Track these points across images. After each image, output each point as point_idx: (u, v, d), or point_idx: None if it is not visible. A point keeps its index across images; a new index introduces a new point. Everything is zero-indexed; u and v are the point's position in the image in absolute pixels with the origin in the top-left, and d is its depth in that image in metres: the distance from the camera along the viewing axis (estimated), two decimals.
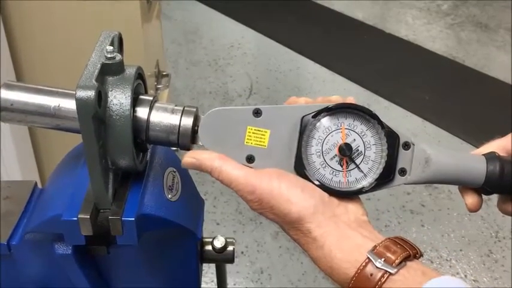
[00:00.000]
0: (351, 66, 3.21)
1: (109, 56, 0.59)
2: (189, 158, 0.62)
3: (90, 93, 0.54)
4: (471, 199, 0.66)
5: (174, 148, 0.66)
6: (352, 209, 0.61)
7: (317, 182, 0.61)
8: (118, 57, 0.60)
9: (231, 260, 0.76)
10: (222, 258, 0.76)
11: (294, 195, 0.59)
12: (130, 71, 0.61)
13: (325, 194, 0.61)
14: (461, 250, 2.13)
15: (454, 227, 2.23)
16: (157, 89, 1.96)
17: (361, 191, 0.62)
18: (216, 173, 0.61)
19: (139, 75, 0.63)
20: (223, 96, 2.95)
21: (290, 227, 0.60)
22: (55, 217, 0.62)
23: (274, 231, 2.18)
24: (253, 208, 0.60)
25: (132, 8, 1.63)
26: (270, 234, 2.17)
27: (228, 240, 0.75)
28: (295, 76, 3.18)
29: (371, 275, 0.54)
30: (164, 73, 2.06)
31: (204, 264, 0.78)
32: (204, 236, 0.77)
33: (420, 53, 3.42)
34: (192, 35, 3.58)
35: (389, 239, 0.56)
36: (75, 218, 0.60)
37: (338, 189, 0.62)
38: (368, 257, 0.54)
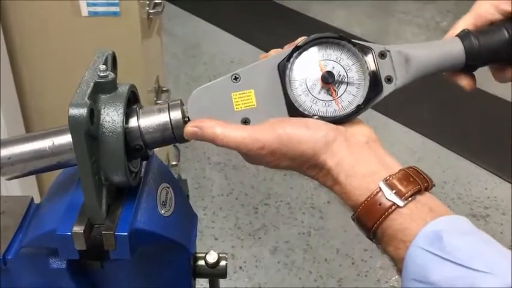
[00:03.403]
0: None
1: (102, 74, 0.61)
2: (191, 127, 0.62)
3: (83, 111, 0.56)
4: (465, 80, 0.68)
5: (175, 162, 0.67)
6: (359, 129, 0.62)
7: (316, 117, 0.62)
8: (111, 75, 0.61)
9: (223, 275, 0.76)
10: (215, 273, 0.76)
11: (302, 135, 0.60)
12: (123, 89, 0.62)
13: (331, 124, 0.62)
14: None
15: None
16: (157, 105, 1.97)
17: (358, 110, 0.63)
18: (220, 139, 0.61)
19: (132, 93, 0.64)
20: None
21: (307, 166, 0.60)
22: (50, 232, 0.63)
23: (273, 246, 2.18)
24: (267, 162, 0.61)
25: (132, 24, 1.65)
26: (268, 250, 2.17)
27: (220, 255, 0.75)
28: None
29: (380, 204, 0.55)
30: (164, 89, 2.08)
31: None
32: (203, 251, 0.77)
33: None
34: (193, 50, 3.61)
35: (403, 170, 0.57)
36: (69, 233, 0.61)
37: (336, 116, 0.63)
38: (380, 187, 0.56)
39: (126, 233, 0.62)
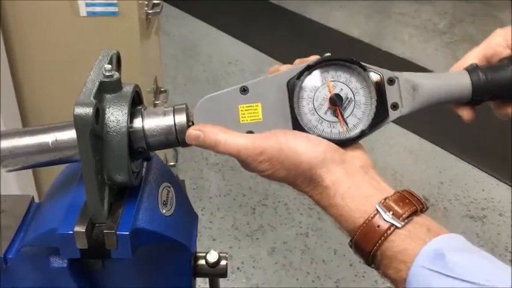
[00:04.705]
0: None
1: (107, 74, 0.61)
2: (195, 130, 0.63)
3: (88, 110, 0.56)
4: (465, 111, 0.69)
5: (173, 163, 0.68)
6: (357, 154, 0.63)
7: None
8: (116, 75, 0.61)
9: (224, 275, 0.76)
10: (215, 273, 0.76)
11: (302, 145, 0.60)
12: (127, 89, 0.62)
13: (332, 143, 0.62)
14: None
15: None
16: (155, 105, 1.97)
17: (362, 134, 0.64)
18: (221, 145, 0.61)
19: (136, 93, 0.65)
20: None
21: (303, 179, 0.61)
22: (51, 231, 0.63)
23: (270, 247, 2.19)
24: (263, 170, 0.61)
25: (131, 24, 1.66)
26: (266, 250, 2.17)
27: (221, 254, 0.76)
28: None
29: (378, 226, 0.56)
30: (162, 89, 2.08)
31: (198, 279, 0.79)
32: (200, 251, 0.77)
33: (417, 71, 3.45)
34: (191, 51, 3.61)
35: (398, 192, 0.58)
36: (71, 232, 0.61)
37: (340, 138, 0.63)
38: (377, 209, 0.56)
39: (127, 233, 0.62)
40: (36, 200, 0.77)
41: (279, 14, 4.13)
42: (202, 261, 0.76)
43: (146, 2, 1.76)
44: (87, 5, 1.61)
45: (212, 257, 0.75)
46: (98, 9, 1.62)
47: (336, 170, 0.60)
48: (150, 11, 1.79)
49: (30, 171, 1.83)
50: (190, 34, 3.83)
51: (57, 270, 0.66)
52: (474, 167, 2.65)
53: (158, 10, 1.82)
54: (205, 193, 2.45)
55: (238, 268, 2.09)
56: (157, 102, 1.99)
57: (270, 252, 2.17)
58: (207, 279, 0.80)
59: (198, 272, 0.76)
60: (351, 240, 0.59)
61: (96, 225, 0.63)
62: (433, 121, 2.98)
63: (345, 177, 0.60)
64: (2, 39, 1.63)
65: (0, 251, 0.69)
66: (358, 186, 0.59)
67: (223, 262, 0.76)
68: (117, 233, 0.62)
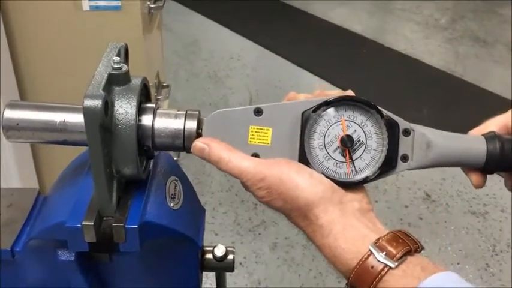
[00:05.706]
0: (350, 79, 3.23)
1: (116, 66, 0.60)
2: (201, 143, 0.63)
3: (98, 103, 0.56)
4: (476, 177, 0.68)
5: (175, 158, 0.68)
6: (357, 197, 0.62)
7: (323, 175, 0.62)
8: (124, 67, 0.61)
9: (231, 269, 0.76)
10: (222, 267, 0.76)
11: (303, 181, 0.60)
12: (136, 81, 0.62)
13: (333, 183, 0.62)
14: (458, 263, 2.14)
15: (452, 240, 2.23)
16: (157, 100, 1.97)
17: (366, 180, 0.63)
18: (224, 163, 0.61)
19: (144, 86, 0.64)
20: (223, 107, 2.97)
21: (298, 213, 0.60)
22: (59, 224, 0.63)
23: (273, 242, 2.19)
24: (261, 197, 0.61)
25: (134, 18, 1.65)
26: (268, 246, 2.17)
27: (228, 248, 0.76)
28: (294, 89, 3.19)
29: (372, 267, 0.55)
30: (164, 84, 2.08)
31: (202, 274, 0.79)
32: (207, 245, 0.77)
33: (418, 67, 3.45)
34: (192, 46, 3.60)
35: (392, 232, 0.58)
36: (79, 225, 0.61)
37: (343, 180, 0.63)
38: (370, 250, 0.56)
39: (136, 226, 0.62)
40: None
41: (281, 10, 4.13)
42: (209, 255, 0.76)
43: None
44: None
45: (219, 250, 0.75)
46: (100, 3, 1.62)
47: (332, 210, 0.59)
48: (152, 6, 1.78)
49: (33, 166, 1.83)
50: (192, 29, 3.82)
51: (65, 263, 0.66)
52: None
53: (161, 4, 1.82)
54: (207, 188, 2.44)
55: (240, 263, 2.09)
56: (159, 97, 1.99)
57: (272, 248, 2.17)
58: (207, 277, 0.80)
59: (205, 266, 0.76)
60: (346, 284, 0.58)
61: (104, 218, 0.63)
62: (435, 117, 2.99)
63: (341, 218, 0.59)
64: (5, 33, 1.62)
65: (7, 244, 0.69)
66: (353, 228, 0.59)
67: (230, 256, 0.76)
68: (126, 226, 0.61)
